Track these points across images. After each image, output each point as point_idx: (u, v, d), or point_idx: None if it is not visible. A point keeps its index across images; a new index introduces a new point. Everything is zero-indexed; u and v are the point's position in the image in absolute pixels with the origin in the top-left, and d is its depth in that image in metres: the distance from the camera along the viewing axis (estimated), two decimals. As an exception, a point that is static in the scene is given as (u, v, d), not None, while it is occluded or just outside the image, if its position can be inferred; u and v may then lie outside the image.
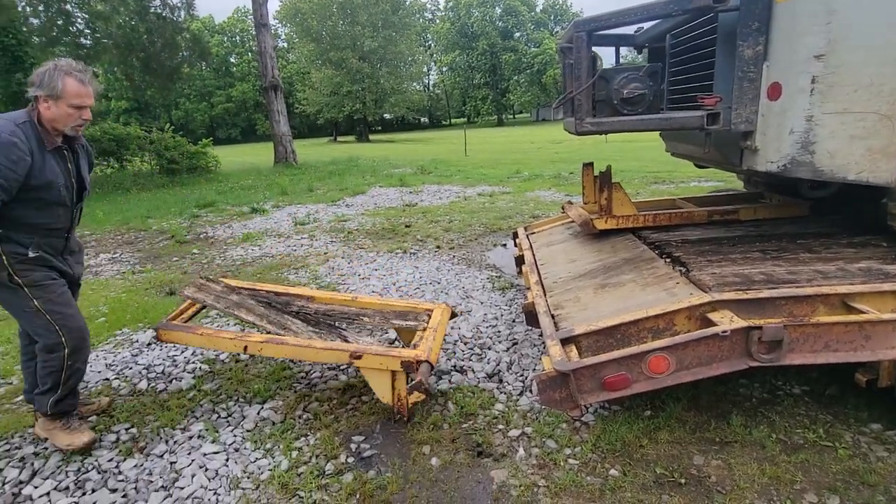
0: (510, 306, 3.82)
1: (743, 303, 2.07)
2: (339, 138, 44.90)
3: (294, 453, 2.31)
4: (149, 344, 3.56)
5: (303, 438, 2.43)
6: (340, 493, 2.05)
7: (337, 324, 2.90)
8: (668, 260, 2.72)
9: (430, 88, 69.24)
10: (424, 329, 2.75)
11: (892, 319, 1.81)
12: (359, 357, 2.42)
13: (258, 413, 2.64)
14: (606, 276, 2.74)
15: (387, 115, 57.50)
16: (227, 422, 2.59)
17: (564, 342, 2.17)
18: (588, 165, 3.76)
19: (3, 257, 2.01)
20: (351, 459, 2.27)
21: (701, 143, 2.79)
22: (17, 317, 2.22)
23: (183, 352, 3.41)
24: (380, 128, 58.82)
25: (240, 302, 2.90)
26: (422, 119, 69.46)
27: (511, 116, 72.83)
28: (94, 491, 2.14)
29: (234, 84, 56.25)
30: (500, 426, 2.43)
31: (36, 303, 2.09)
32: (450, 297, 4.06)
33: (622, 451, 2.18)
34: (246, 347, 2.58)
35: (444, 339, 3.32)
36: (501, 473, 2.12)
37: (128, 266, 5.79)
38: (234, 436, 2.46)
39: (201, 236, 7.12)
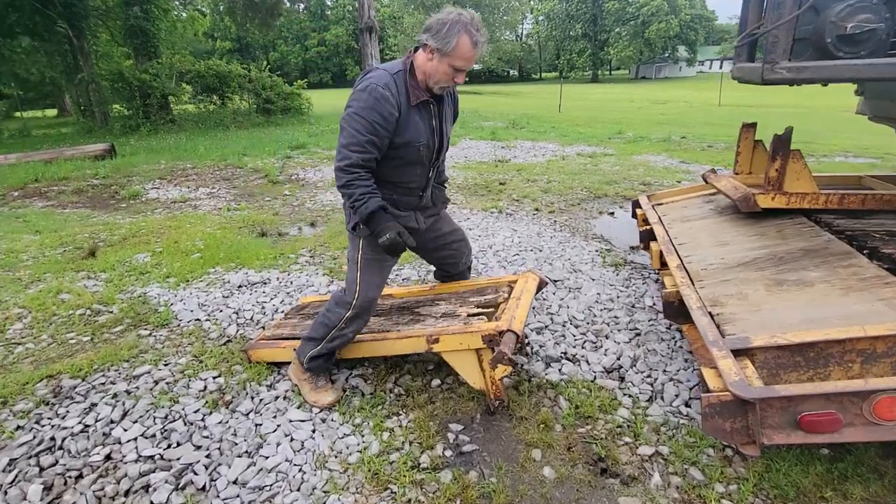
0: (627, 287, 3.29)
1: None
2: (426, 87, 44.15)
3: (385, 434, 2.05)
4: (239, 286, 3.46)
5: (395, 417, 2.16)
6: (439, 496, 1.75)
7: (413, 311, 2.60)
8: (872, 258, 2.07)
9: (523, 38, 65.80)
10: (506, 300, 2.38)
11: None
12: (436, 341, 2.10)
13: (346, 380, 2.41)
14: (781, 270, 2.15)
15: (475, 66, 55.67)
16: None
17: (736, 354, 1.67)
18: (749, 126, 3.05)
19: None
20: (448, 453, 1.96)
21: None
22: (348, 265, 2.18)
23: (272, 299, 3.28)
24: (467, 79, 57.03)
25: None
26: (511, 71, 66.56)
27: (607, 73, 67.98)
28: (178, 445, 2.01)
29: (329, 27, 56.73)
30: (627, 439, 2.01)
31: (359, 255, 2.08)
32: (554, 270, 3.60)
33: (796, 502, 1.69)
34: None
35: (552, 319, 2.90)
36: (633, 503, 1.72)
37: (224, 202, 5.84)
38: (322, 403, 2.24)
39: (293, 178, 7.09)
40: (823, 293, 1.90)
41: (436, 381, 2.37)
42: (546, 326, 2.83)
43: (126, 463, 1.91)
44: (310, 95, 15.60)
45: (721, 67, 67.13)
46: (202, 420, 2.14)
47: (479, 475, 1.85)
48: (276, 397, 2.28)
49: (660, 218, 3.20)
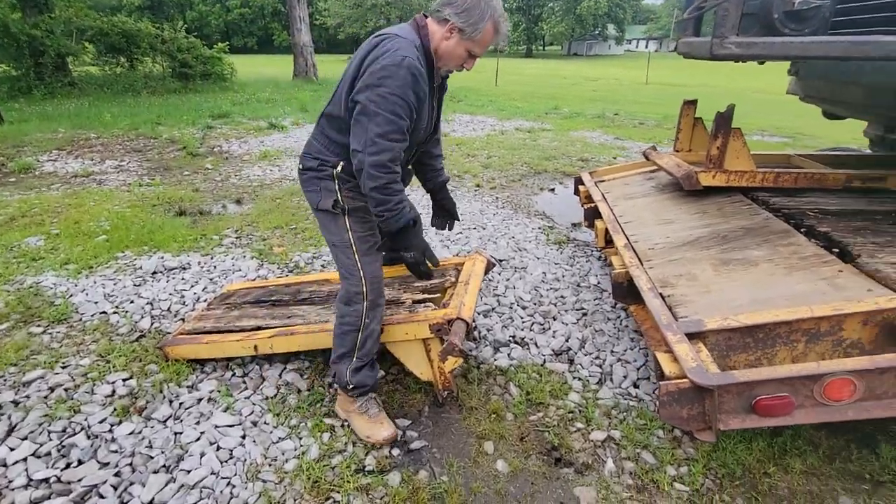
0: (571, 265, 3.27)
1: (955, 313, 1.51)
2: (359, 56, 42.31)
3: (325, 436, 1.87)
4: (154, 273, 3.09)
5: (333, 415, 1.98)
6: (387, 502, 1.62)
7: None
8: (808, 236, 2.12)
9: (459, 9, 64.66)
10: (453, 284, 2.27)
11: None
12: (380, 332, 1.94)
13: (280, 375, 2.19)
14: (725, 249, 2.16)
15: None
16: (244, 383, 2.15)
17: (691, 337, 1.64)
18: (690, 103, 3.06)
19: (336, 182, 1.73)
20: (396, 452, 1.83)
21: (881, 81, 2.10)
22: (333, 252, 1.85)
23: (193, 286, 2.95)
24: (403, 49, 55.34)
25: (240, 314, 2.44)
26: (447, 43, 65.45)
27: (541, 48, 68.66)
28: (80, 463, 1.72)
29: (253, -14, 52.79)
30: (579, 425, 1.96)
31: (350, 235, 1.78)
32: (499, 249, 3.51)
33: (743, 480, 1.71)
34: (256, 347, 2.14)
35: (499, 301, 2.81)
36: (589, 493, 1.67)
37: (135, 176, 5.24)
38: (252, 404, 2.02)
39: (215, 150, 6.50)
40: (768, 272, 1.91)
41: (380, 373, 2.21)
42: (493, 309, 2.74)
43: (13, 490, 1.61)
44: (232, 61, 14.42)
45: (647, 47, 69.74)
46: (110, 431, 1.86)
47: (430, 475, 1.73)
48: (199, 400, 2.03)
49: (603, 195, 3.17)
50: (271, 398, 2.06)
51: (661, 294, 1.93)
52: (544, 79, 23.54)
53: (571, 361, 2.34)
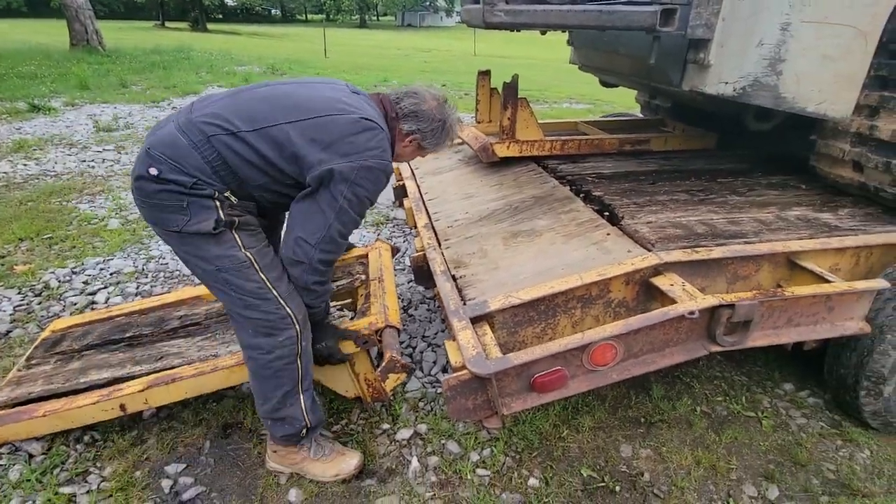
0: (388, 248, 3.12)
1: (693, 265, 1.66)
2: (167, 24, 36.90)
3: (61, 511, 1.46)
4: None
5: (78, 479, 1.57)
6: (139, 583, 1.30)
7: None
8: (586, 201, 2.23)
9: (283, -26, 60.01)
10: (363, 283, 2.02)
11: (863, 290, 1.52)
12: None
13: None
14: (516, 221, 2.17)
15: (230, 1, 48.95)
16: (-59, 463, 1.60)
17: (477, 320, 1.58)
18: (484, 74, 3.06)
19: (216, 202, 1.35)
20: (161, 509, 1.50)
21: (633, 51, 2.24)
22: (219, 285, 1.41)
23: None
24: (220, 16, 49.85)
25: (84, 365, 1.84)
26: (273, 11, 60.58)
27: (375, 18, 67.37)
28: None
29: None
30: (385, 426, 1.83)
31: (247, 253, 1.39)
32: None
33: (540, 449, 1.74)
34: (123, 406, 1.63)
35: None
36: (391, 503, 1.55)
37: None
38: (-50, 491, 1.50)
39: (-58, 142, 5.01)
40: (550, 241, 1.95)
41: (148, 412, 1.82)
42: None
43: None
44: (-22, 25, 11.38)
45: (476, 19, 72.61)
46: None
47: (203, 529, 1.45)
48: None
49: (412, 172, 3.05)
50: (-17, 476, 1.56)
51: (453, 276, 1.86)
52: (378, 49, 23.05)
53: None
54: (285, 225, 1.50)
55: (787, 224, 1.91)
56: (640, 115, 3.83)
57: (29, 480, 1.55)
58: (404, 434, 1.78)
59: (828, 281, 1.57)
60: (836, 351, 1.82)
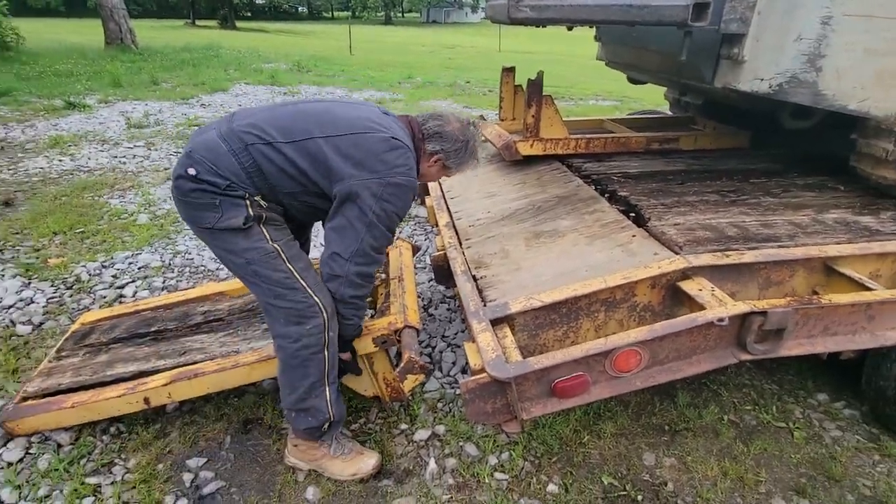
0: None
1: (723, 269, 1.60)
2: (197, 22, 37.72)
3: (87, 501, 1.50)
4: None
5: (104, 470, 1.60)
6: (159, 575, 1.32)
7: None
8: (611, 201, 2.17)
9: (310, -28, 60.63)
10: (384, 283, 2.02)
11: (907, 297, 1.44)
12: None
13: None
14: (539, 221, 2.14)
15: (258, 0, 49.71)
16: (-25, 449, 1.66)
17: (495, 323, 1.55)
18: (508, 70, 3.01)
19: (247, 202, 1.42)
20: (183, 503, 1.52)
21: (663, 47, 2.17)
22: (250, 276, 1.46)
23: (-84, 325, 2.25)
24: (249, 14, 50.61)
25: (111, 358, 1.89)
26: (300, 8, 61.27)
27: (400, 15, 67.52)
28: None
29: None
30: (403, 426, 1.82)
31: (276, 245, 1.46)
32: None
33: (560, 454, 1.71)
34: (147, 399, 1.66)
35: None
36: (407, 504, 1.54)
37: None
38: (-16, 478, 1.55)
39: (-16, 138, 5.21)
40: (573, 243, 1.90)
41: (171, 405, 1.85)
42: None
43: None
44: (18, 25, 11.79)
45: (501, 15, 72.02)
46: None
47: (223, 524, 1.47)
48: None
49: (435, 170, 3.03)
50: (14, 464, 1.61)
51: (474, 277, 1.83)
52: (403, 46, 23.09)
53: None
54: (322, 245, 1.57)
55: (824, 227, 1.82)
56: (669, 113, 3.72)
57: (57, 470, 1.59)
58: (422, 435, 1.77)
59: (868, 288, 1.49)
60: (876, 361, 1.74)
